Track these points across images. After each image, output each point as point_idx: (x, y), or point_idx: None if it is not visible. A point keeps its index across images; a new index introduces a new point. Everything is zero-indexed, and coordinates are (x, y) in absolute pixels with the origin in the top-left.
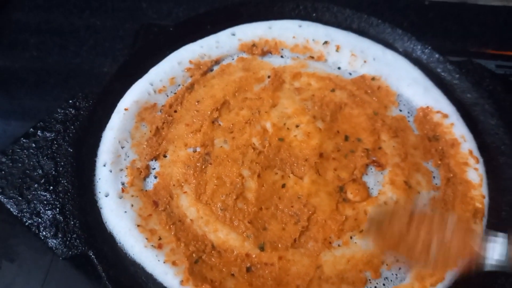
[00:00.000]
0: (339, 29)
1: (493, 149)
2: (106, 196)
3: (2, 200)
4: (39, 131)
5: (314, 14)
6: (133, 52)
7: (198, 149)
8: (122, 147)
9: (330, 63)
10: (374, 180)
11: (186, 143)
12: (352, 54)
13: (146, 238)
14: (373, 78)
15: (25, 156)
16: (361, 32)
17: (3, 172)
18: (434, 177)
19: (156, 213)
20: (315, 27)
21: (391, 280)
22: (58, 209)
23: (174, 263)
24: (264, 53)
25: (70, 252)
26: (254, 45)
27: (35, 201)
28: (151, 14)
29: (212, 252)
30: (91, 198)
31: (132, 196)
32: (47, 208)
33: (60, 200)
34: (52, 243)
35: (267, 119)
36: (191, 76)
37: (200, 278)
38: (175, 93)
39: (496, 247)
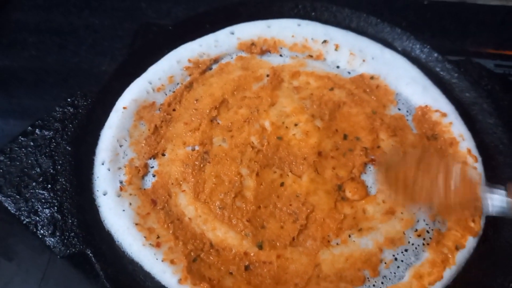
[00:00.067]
0: (338, 28)
1: (492, 148)
2: (104, 195)
3: (0, 198)
4: (37, 130)
5: (313, 13)
6: (132, 51)
7: (197, 148)
8: (121, 146)
9: (329, 62)
10: (373, 178)
11: (185, 142)
12: (351, 53)
13: (144, 237)
14: (372, 77)
15: (23, 154)
16: (360, 31)
17: (1, 170)
18: None
19: (154, 212)
20: (314, 26)
21: (390, 279)
22: (56, 208)
23: (172, 262)
24: (263, 52)
25: (68, 251)
26: (253, 44)
27: (33, 200)
28: (150, 13)
29: (211, 250)
30: (89, 197)
31: (131, 194)
32: (45, 206)
33: (58, 198)
34: (50, 242)
35: (265, 117)
36: (190, 75)
37: (198, 276)
38: (174, 92)
39: (496, 196)
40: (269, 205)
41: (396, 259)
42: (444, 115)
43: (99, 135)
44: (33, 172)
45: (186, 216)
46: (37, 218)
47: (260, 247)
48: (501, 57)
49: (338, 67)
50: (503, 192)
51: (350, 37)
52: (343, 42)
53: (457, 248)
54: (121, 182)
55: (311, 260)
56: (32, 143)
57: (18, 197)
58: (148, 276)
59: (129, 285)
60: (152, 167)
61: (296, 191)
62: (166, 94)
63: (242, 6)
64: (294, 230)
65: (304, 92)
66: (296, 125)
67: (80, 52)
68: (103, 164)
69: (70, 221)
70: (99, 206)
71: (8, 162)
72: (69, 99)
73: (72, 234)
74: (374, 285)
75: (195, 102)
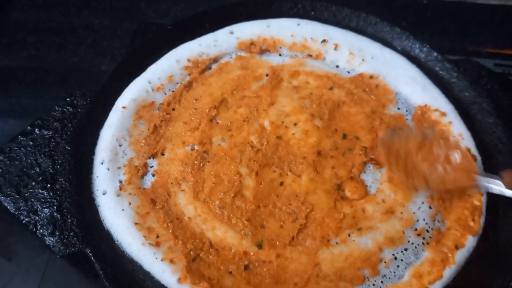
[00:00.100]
0: (338, 27)
1: (491, 148)
2: (103, 194)
3: None
4: (36, 129)
5: (312, 13)
6: (131, 50)
7: (196, 147)
8: (120, 145)
9: (328, 62)
10: (372, 178)
11: (184, 141)
12: (350, 53)
13: (144, 236)
14: (371, 77)
15: (22, 154)
16: (359, 30)
17: (0, 170)
18: None
19: (153, 211)
20: (313, 26)
21: (389, 278)
22: (55, 207)
23: (171, 261)
24: (262, 52)
25: (67, 250)
26: (252, 43)
27: (32, 199)
28: (149, 13)
29: (210, 250)
30: (88, 196)
31: (130, 194)
32: (44, 206)
33: (58, 198)
34: (49, 241)
35: (265, 117)
36: (189, 74)
37: (198, 276)
38: (173, 91)
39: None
40: (268, 205)
41: (395, 258)
42: (443, 114)
43: (98, 134)
44: (33, 171)
45: (185, 215)
46: (37, 217)
47: (260, 246)
48: (501, 57)
49: (337, 66)
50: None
51: (349, 36)
52: (342, 41)
53: (456, 247)
54: (120, 182)
55: (311, 259)
56: (31, 143)
57: (18, 196)
58: (147, 276)
59: (129, 284)
60: (152, 166)
61: (295, 191)
62: (165, 94)
63: (241, 6)
64: (294, 230)
65: (304, 91)
66: (295, 124)
67: (80, 52)
68: (102, 163)
69: (69, 220)
70: (98, 206)
71: (8, 162)
72: (68, 99)
73: (72, 233)
74: (373, 284)
75: (195, 101)
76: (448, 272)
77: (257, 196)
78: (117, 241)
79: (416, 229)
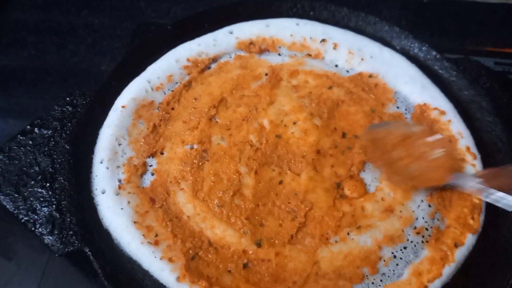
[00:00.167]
0: (337, 27)
1: (490, 147)
2: (102, 193)
3: None
4: (36, 129)
5: (311, 13)
6: (131, 50)
7: (195, 146)
8: (119, 144)
9: (327, 61)
10: (372, 176)
11: (183, 140)
12: (349, 52)
13: (143, 235)
14: (370, 76)
15: (22, 153)
16: (358, 30)
17: (0, 169)
18: None
19: (153, 210)
20: (312, 25)
21: (388, 276)
22: (54, 206)
23: (170, 260)
24: (261, 51)
25: (66, 249)
26: (251, 43)
27: (31, 198)
28: (149, 13)
29: (209, 248)
30: (87, 195)
31: (129, 193)
32: (43, 205)
33: (57, 197)
34: (48, 240)
35: (264, 116)
36: (188, 74)
37: (197, 274)
38: (173, 91)
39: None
40: (267, 203)
41: (395, 256)
42: (442, 113)
43: (97, 134)
44: (32, 170)
45: (184, 214)
46: (36, 216)
47: (259, 245)
48: (500, 55)
49: (336, 65)
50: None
51: (348, 36)
52: (341, 41)
53: (456, 246)
54: (119, 181)
55: (310, 257)
56: (31, 142)
57: (17, 195)
58: (146, 274)
59: (128, 283)
60: (151, 165)
61: (294, 189)
62: (165, 93)
63: (241, 6)
64: (293, 228)
65: (303, 90)
66: (294, 123)
67: (80, 52)
68: (101, 162)
69: (68, 219)
70: (97, 205)
71: (7, 161)
72: (68, 98)
73: (71, 232)
74: (373, 283)
75: (194, 101)
76: (448, 271)
77: (256, 194)
78: (116, 240)
79: (415, 228)
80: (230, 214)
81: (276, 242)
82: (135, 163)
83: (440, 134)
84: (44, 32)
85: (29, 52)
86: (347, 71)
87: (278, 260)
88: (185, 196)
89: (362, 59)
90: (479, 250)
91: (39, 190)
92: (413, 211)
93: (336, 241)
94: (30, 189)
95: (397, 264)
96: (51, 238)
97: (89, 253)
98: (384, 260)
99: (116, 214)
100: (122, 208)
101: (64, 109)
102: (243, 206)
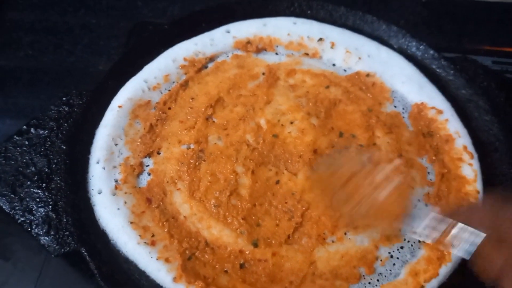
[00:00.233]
0: (334, 26)
1: (487, 146)
2: (99, 193)
3: None
4: (32, 129)
5: (309, 12)
6: (127, 50)
7: (192, 146)
8: (116, 144)
9: (324, 60)
10: None
11: (180, 140)
12: (346, 51)
13: (139, 235)
14: (367, 75)
15: (18, 153)
16: (356, 29)
17: None
18: (428, 172)
19: (149, 210)
20: (310, 24)
21: (385, 276)
22: (50, 206)
23: (167, 260)
24: (258, 50)
25: (62, 250)
26: (248, 42)
27: (27, 199)
28: (146, 12)
29: (206, 248)
30: (84, 196)
31: (126, 193)
32: (39, 205)
33: (53, 197)
34: (45, 241)
35: (261, 115)
36: (185, 73)
37: (193, 274)
38: (169, 90)
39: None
40: (264, 203)
41: (391, 256)
42: (440, 112)
43: (94, 134)
44: (28, 171)
45: (181, 214)
46: (32, 217)
47: (255, 245)
48: (498, 54)
49: (334, 65)
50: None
51: (346, 35)
52: (339, 40)
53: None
54: (116, 181)
55: (307, 257)
56: (27, 142)
57: (13, 196)
58: (143, 275)
59: (124, 283)
60: (148, 165)
61: (291, 189)
62: (161, 93)
63: (238, 5)
64: (290, 228)
65: (300, 90)
66: (291, 123)
67: (76, 52)
68: (98, 163)
69: (64, 220)
70: (94, 205)
71: (3, 161)
72: (64, 98)
73: (67, 233)
74: (369, 283)
75: (191, 100)
76: (444, 270)
77: (253, 194)
78: (113, 240)
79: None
80: (226, 214)
81: (273, 242)
82: (132, 163)
83: (398, 159)
84: (41, 32)
85: (26, 52)
86: (345, 70)
87: (275, 260)
88: (181, 196)
89: (359, 58)
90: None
91: (35, 190)
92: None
93: (333, 241)
94: (26, 190)
95: (393, 264)
96: (47, 238)
97: (85, 253)
98: (381, 260)
99: (112, 215)
100: (118, 209)
101: (60, 109)
102: (239, 206)
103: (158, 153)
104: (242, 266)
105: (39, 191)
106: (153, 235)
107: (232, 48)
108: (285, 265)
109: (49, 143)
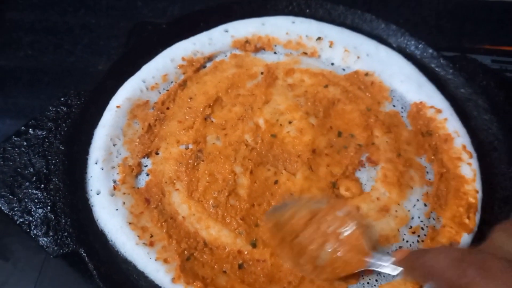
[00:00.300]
0: (333, 25)
1: (486, 145)
2: (97, 194)
3: None
4: (30, 129)
5: (307, 11)
6: (126, 50)
7: (191, 146)
8: (114, 145)
9: (323, 59)
10: (367, 176)
11: (179, 140)
12: (345, 50)
13: (138, 236)
14: (366, 74)
15: (16, 154)
16: (354, 28)
17: None
18: (427, 172)
19: (148, 211)
20: (308, 23)
21: (384, 276)
22: (49, 207)
23: (165, 261)
24: (257, 50)
25: (61, 250)
26: (247, 41)
27: (26, 199)
28: (146, 12)
29: (204, 249)
30: (82, 196)
31: (124, 193)
32: (38, 206)
33: (51, 198)
34: (43, 241)
35: (260, 115)
36: (183, 73)
37: (192, 275)
38: (168, 90)
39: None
40: (263, 203)
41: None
42: (439, 111)
43: (92, 134)
44: (27, 171)
45: (179, 214)
46: (30, 218)
47: (254, 245)
48: (497, 53)
49: (332, 64)
50: (389, 259)
51: (344, 34)
52: (337, 39)
53: (451, 245)
54: (114, 181)
55: None
56: (25, 143)
57: (12, 197)
58: (141, 275)
59: (123, 284)
60: (146, 165)
61: (290, 189)
62: (160, 93)
63: (236, 4)
64: None
65: (299, 89)
66: (290, 122)
67: (76, 52)
68: (96, 163)
69: (63, 220)
70: (92, 206)
71: (2, 162)
72: (62, 99)
73: (65, 233)
74: (368, 283)
75: (189, 100)
76: None
77: (252, 194)
78: (111, 240)
79: (411, 227)
80: (225, 214)
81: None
82: (130, 164)
83: (347, 206)
84: (40, 32)
85: (26, 52)
86: (343, 70)
87: (273, 261)
88: (180, 197)
89: (358, 57)
90: None
91: (34, 191)
92: (408, 211)
93: None
94: (24, 191)
95: None
96: (46, 239)
97: (83, 254)
98: None
99: (111, 215)
100: (117, 209)
101: (58, 109)
102: (238, 206)
103: (157, 153)
104: (240, 266)
105: (37, 192)
106: (151, 236)
107: (231, 48)
108: (284, 265)
109: (47, 143)
